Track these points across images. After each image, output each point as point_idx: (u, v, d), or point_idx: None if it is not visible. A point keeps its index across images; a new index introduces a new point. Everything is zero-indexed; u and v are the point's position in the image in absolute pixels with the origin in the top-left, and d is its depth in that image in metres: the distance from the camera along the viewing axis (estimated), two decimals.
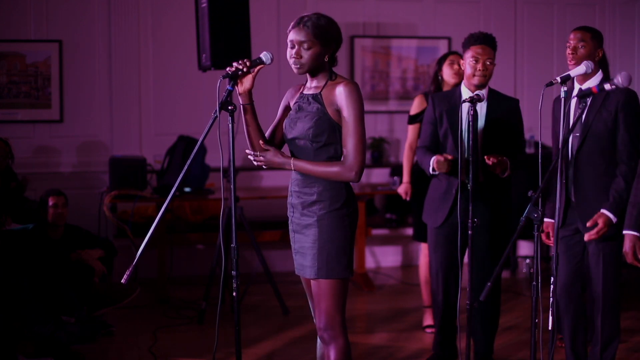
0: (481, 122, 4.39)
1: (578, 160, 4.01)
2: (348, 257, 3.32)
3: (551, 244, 4.01)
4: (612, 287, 4.04)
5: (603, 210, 3.90)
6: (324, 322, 3.33)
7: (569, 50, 4.01)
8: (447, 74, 5.24)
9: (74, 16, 7.03)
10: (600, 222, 3.88)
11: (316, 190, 3.31)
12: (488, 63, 4.35)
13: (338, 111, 3.28)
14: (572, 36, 4.02)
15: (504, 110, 4.41)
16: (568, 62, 4.02)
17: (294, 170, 3.35)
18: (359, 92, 3.28)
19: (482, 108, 4.40)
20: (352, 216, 3.35)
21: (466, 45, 4.41)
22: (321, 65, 3.31)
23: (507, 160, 4.26)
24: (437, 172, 4.40)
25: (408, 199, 5.55)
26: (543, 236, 4.06)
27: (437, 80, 5.33)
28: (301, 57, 3.27)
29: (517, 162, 4.38)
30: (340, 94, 3.26)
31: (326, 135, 3.29)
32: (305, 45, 3.26)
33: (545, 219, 4.10)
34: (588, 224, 3.93)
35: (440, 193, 4.53)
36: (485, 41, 4.36)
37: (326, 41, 3.27)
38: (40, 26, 6.96)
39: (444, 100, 4.53)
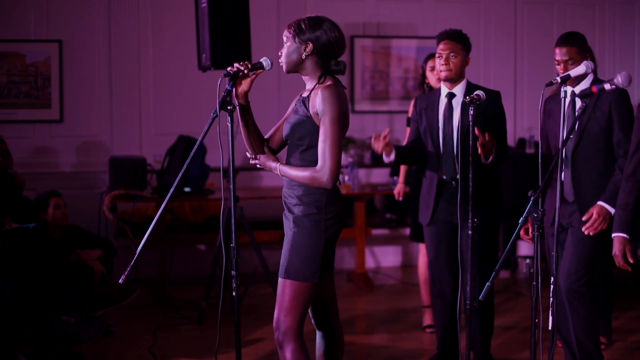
0: (456, 117, 4.38)
1: (575, 160, 4.02)
2: (318, 263, 3.30)
3: (529, 241, 4.01)
4: (575, 280, 4.03)
5: (599, 202, 3.91)
6: (282, 323, 3.33)
7: (559, 68, 4.02)
8: (432, 80, 5.28)
9: (74, 16, 7.03)
10: (594, 212, 3.88)
11: (296, 193, 3.34)
12: (452, 57, 4.37)
13: (319, 115, 3.27)
14: (557, 52, 4.03)
15: (482, 103, 4.39)
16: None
17: (280, 174, 3.38)
18: (339, 95, 3.25)
19: (457, 103, 4.40)
20: (330, 222, 3.31)
21: (436, 45, 4.46)
22: (300, 62, 3.32)
23: (494, 143, 4.22)
24: (388, 159, 4.42)
25: (400, 198, 5.68)
26: (522, 232, 4.04)
27: (424, 86, 5.36)
28: (282, 53, 3.34)
29: (501, 154, 4.33)
30: (318, 97, 3.25)
31: (309, 138, 3.30)
32: (284, 40, 3.34)
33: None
34: (584, 218, 3.93)
35: (425, 192, 4.57)
36: (448, 36, 4.42)
37: (300, 39, 3.28)
38: (40, 26, 6.96)
39: (425, 99, 4.61)
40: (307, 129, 3.29)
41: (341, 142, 3.27)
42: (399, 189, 5.70)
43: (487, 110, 4.37)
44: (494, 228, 4.53)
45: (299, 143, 3.32)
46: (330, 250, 3.36)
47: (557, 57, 4.03)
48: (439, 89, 4.54)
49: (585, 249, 4.01)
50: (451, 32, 4.43)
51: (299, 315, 3.32)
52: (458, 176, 4.23)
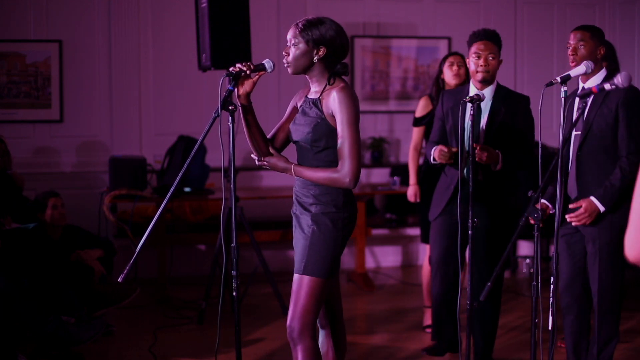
0: (484, 119, 4.37)
1: (580, 158, 4.00)
2: (332, 260, 3.33)
3: (551, 211, 4.01)
4: (609, 287, 4.02)
5: (591, 197, 3.91)
6: (298, 319, 3.32)
7: (569, 51, 4.00)
8: (448, 75, 5.24)
9: (74, 16, 7.03)
10: (583, 207, 3.88)
11: (312, 193, 3.34)
12: (490, 58, 4.34)
13: (334, 116, 3.29)
14: (571, 36, 4.02)
15: (510, 107, 4.38)
16: (570, 63, 4.02)
17: (295, 176, 3.38)
18: (353, 97, 3.28)
19: (486, 105, 4.38)
20: (346, 221, 3.35)
21: (469, 43, 4.43)
22: (309, 66, 3.31)
23: (498, 154, 4.24)
24: (437, 162, 4.42)
25: (418, 200, 5.44)
26: (546, 209, 4.03)
27: (439, 82, 5.33)
28: (289, 54, 3.31)
29: (519, 160, 4.34)
30: (334, 99, 3.26)
31: (324, 140, 3.31)
32: (292, 42, 3.30)
33: (543, 200, 4.07)
34: (571, 206, 3.92)
35: (443, 188, 4.56)
36: (486, 37, 4.37)
37: (313, 41, 3.27)
38: (40, 26, 6.96)
39: (452, 97, 4.56)
40: (322, 130, 3.30)
41: (360, 142, 3.29)
42: (414, 190, 5.45)
43: (515, 115, 4.36)
44: (508, 230, 4.47)
45: (315, 145, 3.32)
46: (343, 248, 3.39)
47: (570, 42, 4.00)
48: (467, 88, 4.49)
49: (614, 264, 4.02)
50: (490, 33, 4.38)
51: (315, 312, 3.33)
52: (479, 176, 4.27)
